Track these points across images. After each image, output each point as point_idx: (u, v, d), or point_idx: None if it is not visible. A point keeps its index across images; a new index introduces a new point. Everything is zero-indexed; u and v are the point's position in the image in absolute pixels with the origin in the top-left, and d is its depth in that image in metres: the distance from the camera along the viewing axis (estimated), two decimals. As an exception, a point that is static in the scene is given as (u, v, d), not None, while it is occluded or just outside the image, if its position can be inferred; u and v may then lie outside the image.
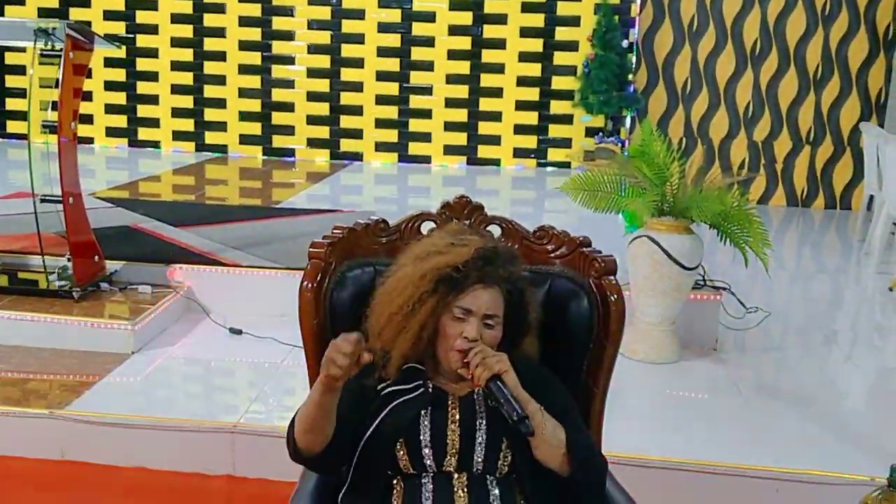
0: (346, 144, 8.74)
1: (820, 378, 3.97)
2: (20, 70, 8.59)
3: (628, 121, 8.22)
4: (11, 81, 8.77)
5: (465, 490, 1.68)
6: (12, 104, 8.80)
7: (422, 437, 1.70)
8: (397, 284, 1.76)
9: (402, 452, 1.70)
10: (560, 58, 8.37)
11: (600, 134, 8.14)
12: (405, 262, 1.81)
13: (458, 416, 1.73)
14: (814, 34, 7.69)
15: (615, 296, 1.90)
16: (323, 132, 8.74)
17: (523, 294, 1.80)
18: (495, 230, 2.03)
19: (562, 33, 8.34)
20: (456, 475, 1.70)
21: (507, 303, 1.76)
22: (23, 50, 7.54)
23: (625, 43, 8.00)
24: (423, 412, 1.72)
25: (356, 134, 8.71)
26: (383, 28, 8.52)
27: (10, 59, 8.66)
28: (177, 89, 8.77)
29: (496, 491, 1.69)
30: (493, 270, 1.74)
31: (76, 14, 8.47)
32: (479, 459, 1.70)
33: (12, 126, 8.83)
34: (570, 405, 1.81)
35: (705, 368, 3.93)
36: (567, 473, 1.68)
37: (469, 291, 1.72)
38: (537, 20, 8.34)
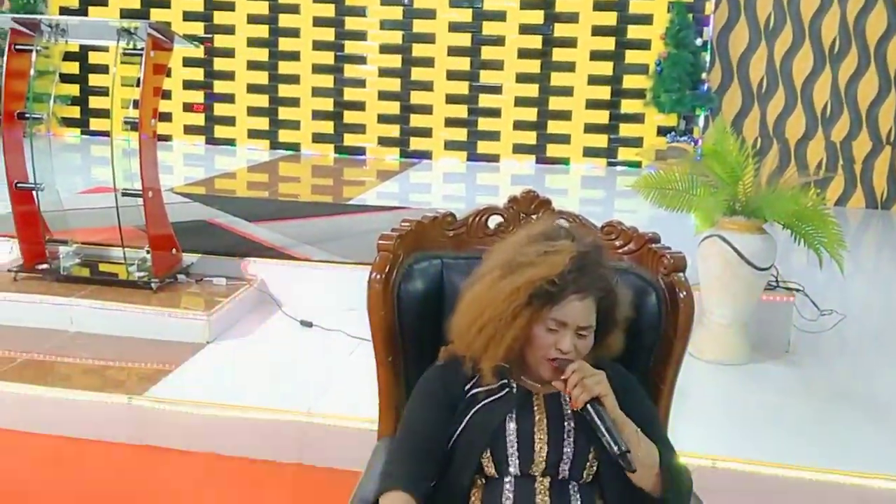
0: (416, 143, 8.80)
1: (897, 383, 3.87)
2: (103, 69, 8.86)
3: (701, 120, 8.09)
4: (94, 80, 9.05)
5: (547, 494, 1.65)
6: (95, 102, 9.09)
7: (508, 445, 1.67)
8: (487, 294, 1.69)
9: (487, 460, 1.68)
10: (632, 56, 8.27)
11: (672, 133, 8.02)
12: (493, 268, 1.72)
13: (545, 420, 1.69)
14: (895, 32, 7.45)
15: (684, 293, 1.87)
16: (393, 131, 8.81)
17: (613, 295, 1.72)
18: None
19: (634, 31, 8.24)
20: (539, 478, 1.67)
21: (598, 308, 1.69)
22: (106, 49, 7.78)
23: (698, 41, 7.87)
24: (508, 416, 1.69)
25: (426, 133, 8.76)
26: (454, 27, 8.54)
27: (93, 58, 8.94)
28: (252, 88, 8.94)
29: (578, 498, 1.66)
30: (588, 279, 1.66)
31: (157, 15, 8.70)
32: (566, 468, 1.66)
33: (95, 123, 9.11)
34: (653, 414, 1.78)
35: (777, 371, 3.86)
36: (658, 494, 1.64)
37: (564, 304, 1.65)
38: (609, 18, 8.26)
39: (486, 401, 1.70)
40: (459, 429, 1.69)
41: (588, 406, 1.59)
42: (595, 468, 1.67)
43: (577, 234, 1.75)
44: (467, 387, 1.73)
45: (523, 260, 1.68)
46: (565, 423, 1.68)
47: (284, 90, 8.90)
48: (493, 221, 2.05)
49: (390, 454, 1.76)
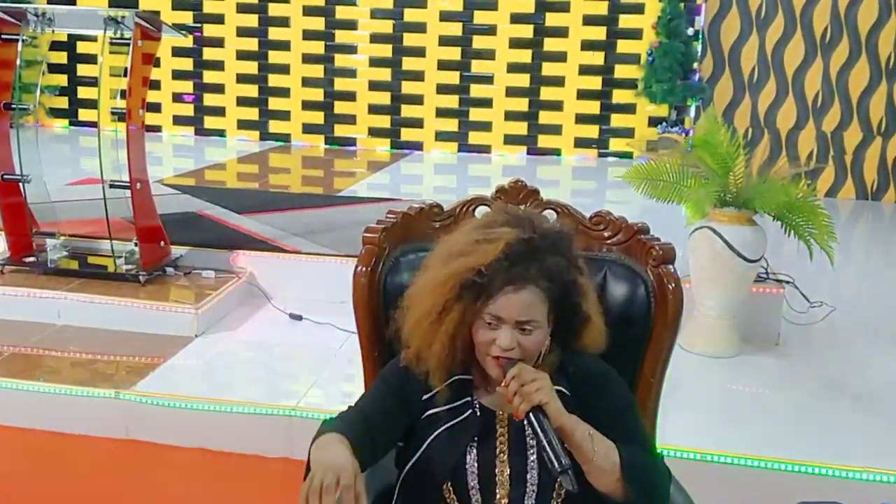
0: (407, 134, 8.77)
1: (888, 376, 3.85)
2: (91, 59, 8.77)
3: (693, 110, 8.08)
4: (83, 70, 8.98)
5: None
6: (84, 93, 9.02)
7: (469, 480, 1.58)
8: (423, 288, 1.58)
9: (448, 492, 1.59)
10: (623, 46, 8.25)
11: (664, 124, 8.01)
12: (433, 261, 1.61)
13: (507, 451, 1.59)
14: (886, 22, 7.43)
15: (673, 284, 1.85)
16: (384, 121, 8.78)
17: (570, 286, 1.56)
18: (550, 215, 1.98)
19: (625, 21, 8.22)
20: None
21: (550, 300, 1.54)
22: (94, 39, 7.72)
23: (690, 31, 7.86)
24: (469, 446, 1.58)
25: (417, 123, 8.73)
26: (445, 17, 8.50)
27: (82, 48, 8.87)
28: (242, 79, 8.89)
29: None
30: (524, 270, 1.51)
31: (145, 3, 8.63)
32: (531, 501, 1.57)
33: (83, 114, 9.04)
34: (625, 407, 1.65)
35: (767, 363, 3.86)
36: (623, 499, 1.52)
37: (498, 296, 1.51)
38: (601, 7, 8.24)
39: (446, 426, 1.60)
40: (418, 454, 1.60)
41: (529, 415, 1.47)
42: (563, 494, 1.57)
43: (522, 222, 1.58)
44: (425, 398, 1.62)
45: (455, 250, 1.57)
46: (528, 453, 1.58)
47: (274, 80, 8.85)
48: (481, 212, 2.03)
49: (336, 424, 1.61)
